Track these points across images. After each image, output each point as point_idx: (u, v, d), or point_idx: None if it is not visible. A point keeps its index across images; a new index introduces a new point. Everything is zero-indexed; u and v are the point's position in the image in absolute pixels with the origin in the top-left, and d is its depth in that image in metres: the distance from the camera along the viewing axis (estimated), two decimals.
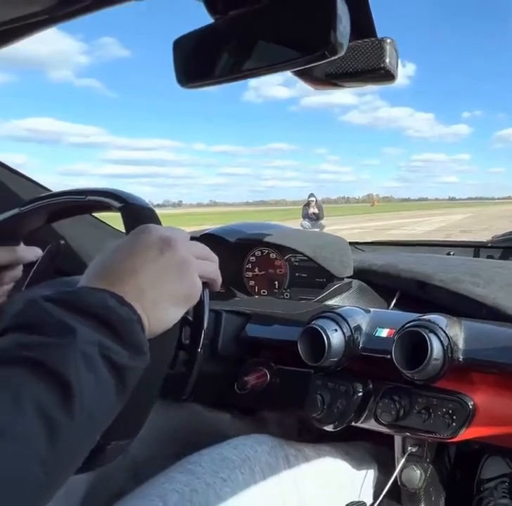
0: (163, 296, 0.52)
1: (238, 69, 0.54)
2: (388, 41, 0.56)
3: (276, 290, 1.23)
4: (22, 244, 0.77)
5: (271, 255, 1.23)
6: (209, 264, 0.59)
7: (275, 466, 0.86)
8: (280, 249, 1.21)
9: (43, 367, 0.40)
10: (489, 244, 1.50)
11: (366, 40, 0.56)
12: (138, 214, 0.64)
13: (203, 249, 0.60)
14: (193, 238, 1.18)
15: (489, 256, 1.45)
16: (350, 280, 1.18)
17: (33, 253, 0.78)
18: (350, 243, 1.45)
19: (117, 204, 0.65)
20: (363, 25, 0.55)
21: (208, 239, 1.22)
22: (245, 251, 1.25)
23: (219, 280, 0.61)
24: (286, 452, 0.91)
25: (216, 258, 0.61)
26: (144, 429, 0.59)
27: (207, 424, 1.07)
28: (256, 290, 1.26)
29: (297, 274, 1.21)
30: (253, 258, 1.25)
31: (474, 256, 1.48)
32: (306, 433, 1.17)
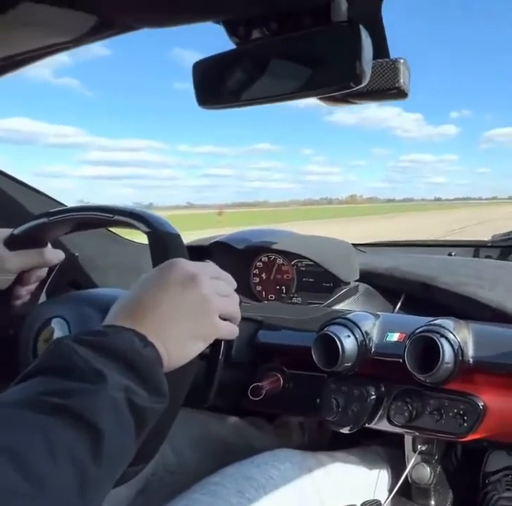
0: (182, 332, 0.54)
1: (258, 95, 0.56)
2: (402, 61, 0.59)
3: (284, 295, 1.26)
4: (48, 247, 0.82)
5: (277, 260, 1.26)
6: (230, 302, 0.61)
7: (297, 479, 0.88)
8: (287, 255, 1.24)
9: (76, 416, 0.41)
10: (489, 244, 1.52)
11: (380, 60, 0.59)
12: (164, 241, 0.66)
13: (226, 286, 0.62)
14: (202, 247, 1.20)
15: (488, 256, 1.48)
16: (356, 283, 1.21)
17: (57, 256, 0.83)
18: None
19: (145, 228, 0.68)
20: (377, 46, 0.57)
21: (217, 247, 1.26)
22: (252, 257, 1.28)
23: (239, 317, 0.63)
24: (307, 464, 0.93)
25: (237, 296, 0.64)
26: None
27: (225, 431, 1.09)
28: (264, 295, 1.28)
29: (304, 279, 1.23)
30: (260, 264, 1.28)
31: (473, 256, 1.50)
32: (322, 438, 1.19)
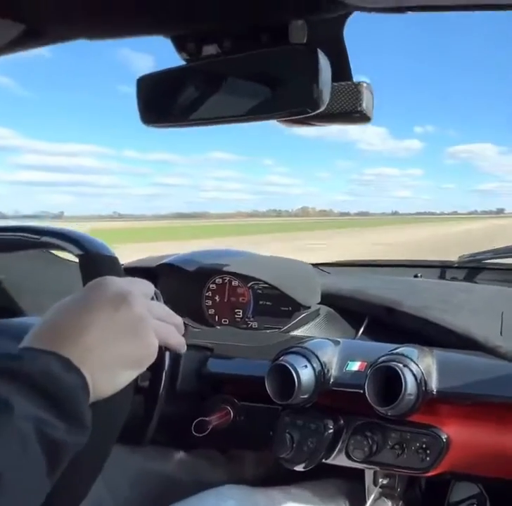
0: (114, 358, 0.52)
1: (206, 115, 0.56)
2: (364, 85, 0.60)
3: (239, 319, 1.25)
4: None
5: (232, 282, 1.25)
6: (168, 327, 0.59)
7: None
8: (243, 277, 1.24)
9: None
10: (456, 265, 1.57)
11: (343, 83, 0.60)
12: (98, 264, 0.64)
13: (164, 310, 0.59)
14: (147, 269, 1.19)
15: (454, 278, 1.52)
16: (318, 306, 1.21)
17: None
18: (314, 264, 1.50)
19: (76, 251, 0.66)
20: (340, 69, 0.59)
21: (164, 269, 1.24)
22: (205, 278, 1.27)
23: (180, 344, 0.61)
24: (254, 502, 0.92)
25: (179, 320, 0.61)
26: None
27: (170, 466, 1.07)
28: (217, 319, 1.27)
29: (261, 302, 1.23)
30: (213, 285, 1.27)
31: (439, 277, 1.55)
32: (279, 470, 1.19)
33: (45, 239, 0.70)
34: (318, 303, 1.22)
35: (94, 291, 0.55)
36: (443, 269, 1.57)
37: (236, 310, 1.26)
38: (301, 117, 0.54)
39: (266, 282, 1.19)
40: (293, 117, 0.55)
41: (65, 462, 0.46)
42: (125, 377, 0.54)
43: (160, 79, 0.59)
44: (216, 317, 1.28)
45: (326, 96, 0.52)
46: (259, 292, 1.24)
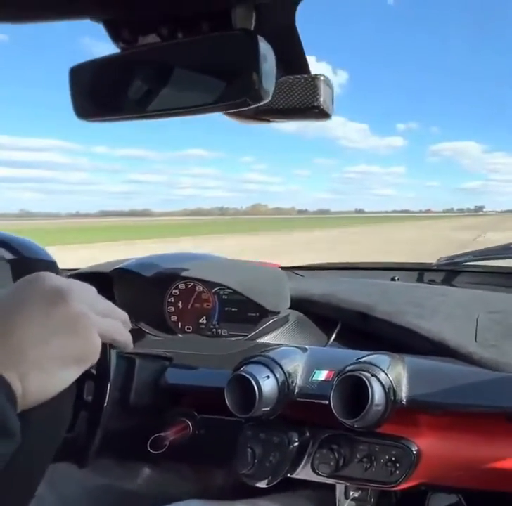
0: (49, 358, 0.48)
1: (144, 108, 0.53)
2: (322, 78, 0.58)
3: (203, 326, 1.23)
4: None
5: (196, 287, 1.23)
6: (113, 323, 0.56)
7: None
8: (207, 282, 1.21)
9: None
10: (434, 267, 1.57)
11: (298, 76, 0.58)
12: (33, 270, 0.58)
13: (107, 305, 0.57)
14: (100, 274, 1.16)
15: (431, 281, 1.52)
16: (288, 311, 1.19)
17: None
18: (287, 268, 1.47)
19: (8, 255, 0.62)
20: (294, 60, 0.56)
21: (119, 274, 1.19)
22: (167, 284, 1.24)
23: (126, 340, 0.58)
24: None
25: (124, 315, 0.58)
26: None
27: (131, 478, 1.04)
28: (179, 327, 1.24)
29: (226, 308, 1.21)
30: (176, 291, 1.24)
31: (417, 280, 1.54)
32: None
33: None
34: (289, 309, 1.20)
35: (27, 286, 0.51)
36: (421, 272, 1.57)
37: (201, 317, 1.24)
38: (244, 108, 0.51)
39: (231, 288, 1.16)
40: (239, 110, 0.53)
41: None
42: (63, 377, 0.50)
43: (95, 70, 0.56)
44: (180, 324, 1.25)
45: (269, 87, 0.49)
46: (225, 297, 1.21)
